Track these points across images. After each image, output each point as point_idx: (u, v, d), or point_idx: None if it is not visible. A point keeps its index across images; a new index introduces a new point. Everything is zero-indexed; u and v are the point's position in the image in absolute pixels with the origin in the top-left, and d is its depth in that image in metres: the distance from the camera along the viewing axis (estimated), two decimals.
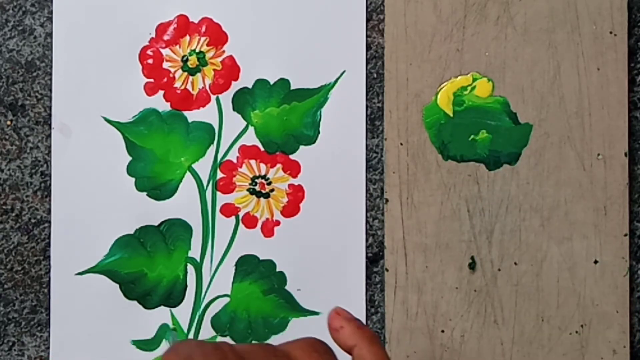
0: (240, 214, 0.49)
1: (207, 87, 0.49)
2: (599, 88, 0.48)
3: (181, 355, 0.33)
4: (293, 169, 0.49)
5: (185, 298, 0.49)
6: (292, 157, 0.49)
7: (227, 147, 0.49)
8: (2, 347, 0.49)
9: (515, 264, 0.48)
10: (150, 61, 0.49)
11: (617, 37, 0.48)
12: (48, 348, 0.49)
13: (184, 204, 0.49)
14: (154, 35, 0.49)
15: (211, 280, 0.49)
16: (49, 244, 0.49)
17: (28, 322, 0.49)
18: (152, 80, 0.49)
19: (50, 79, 0.49)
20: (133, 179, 0.49)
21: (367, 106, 0.49)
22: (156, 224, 0.49)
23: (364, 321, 0.48)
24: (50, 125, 0.49)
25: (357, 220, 0.49)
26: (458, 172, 0.48)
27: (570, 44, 0.48)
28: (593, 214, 0.48)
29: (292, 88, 0.49)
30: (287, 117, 0.49)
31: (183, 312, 0.49)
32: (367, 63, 0.49)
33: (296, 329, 0.49)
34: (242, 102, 0.49)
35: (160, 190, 0.49)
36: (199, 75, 0.49)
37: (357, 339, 0.38)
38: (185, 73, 0.49)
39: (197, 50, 0.49)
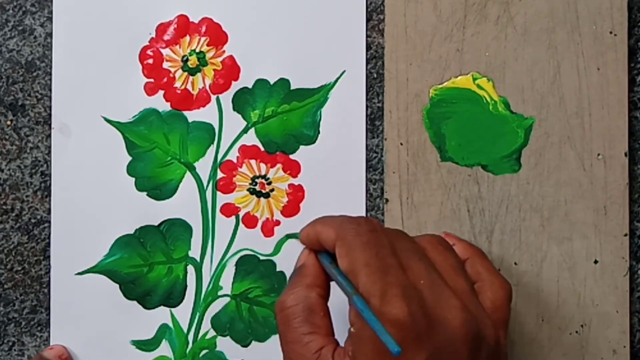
0: (241, 214, 0.49)
1: (207, 87, 0.49)
2: (599, 88, 0.48)
3: (335, 222, 0.38)
4: (293, 169, 0.49)
5: (185, 298, 0.49)
6: (292, 157, 0.49)
7: (227, 147, 0.49)
8: (2, 347, 0.49)
9: (515, 264, 0.48)
10: (150, 61, 0.49)
11: (617, 37, 0.48)
12: None
13: (184, 204, 0.49)
14: (154, 35, 0.49)
15: (211, 280, 0.49)
16: (49, 244, 0.49)
17: (28, 322, 0.49)
18: (152, 80, 0.49)
19: (50, 79, 0.49)
20: (133, 179, 0.49)
21: (367, 106, 0.49)
22: (156, 224, 0.49)
23: None
24: (50, 125, 0.49)
25: None
26: (458, 172, 0.48)
27: (570, 44, 0.48)
28: (593, 214, 0.48)
29: (292, 88, 0.49)
30: (287, 117, 0.49)
31: (183, 312, 0.49)
32: (367, 63, 0.49)
33: None
34: (242, 102, 0.49)
35: (160, 190, 0.49)
36: (199, 75, 0.49)
37: (470, 253, 0.41)
38: (186, 73, 0.49)
39: (197, 50, 0.49)
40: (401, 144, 0.48)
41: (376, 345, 0.33)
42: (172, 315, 0.49)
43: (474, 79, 0.48)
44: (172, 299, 0.49)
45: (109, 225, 0.49)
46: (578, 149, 0.48)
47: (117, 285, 0.49)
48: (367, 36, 0.49)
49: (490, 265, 0.40)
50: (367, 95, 0.49)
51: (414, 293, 0.34)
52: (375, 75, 0.49)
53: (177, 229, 0.49)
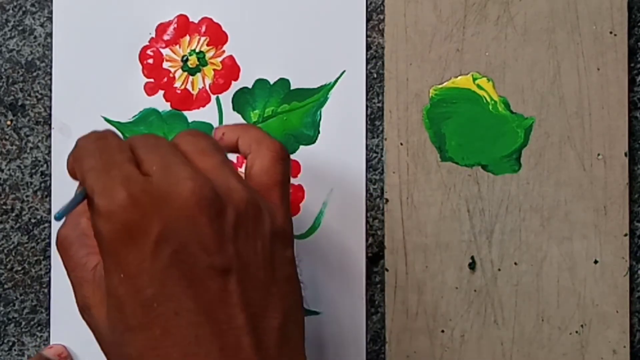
0: None
1: (207, 87, 0.49)
2: (599, 88, 0.48)
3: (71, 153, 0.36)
4: (293, 168, 0.49)
5: None
6: (292, 157, 0.49)
7: None
8: (2, 347, 0.49)
9: (515, 264, 0.48)
10: (150, 61, 0.49)
11: (617, 37, 0.48)
12: None
13: None
14: (154, 35, 0.49)
15: None
16: (49, 244, 0.49)
17: (28, 322, 0.49)
18: (152, 80, 0.49)
19: (50, 79, 0.49)
20: None
21: (367, 106, 0.49)
22: None
23: (363, 321, 0.49)
24: (50, 125, 0.49)
25: (357, 220, 0.49)
26: (458, 172, 0.48)
27: (570, 44, 0.48)
28: (593, 214, 0.48)
29: (292, 88, 0.49)
30: (287, 117, 0.49)
31: None
32: (367, 63, 0.49)
33: None
34: (242, 102, 0.49)
35: None
36: (199, 75, 0.49)
37: (239, 131, 0.40)
38: (185, 73, 0.49)
39: (197, 50, 0.49)
40: (401, 144, 0.48)
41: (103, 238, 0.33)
42: None
43: (474, 79, 0.48)
44: None
45: None
46: (578, 149, 0.48)
47: None
48: (367, 36, 0.49)
49: (259, 135, 0.40)
50: (367, 95, 0.49)
51: (137, 178, 0.33)
52: (375, 75, 0.49)
53: None
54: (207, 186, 0.34)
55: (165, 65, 0.49)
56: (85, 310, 0.36)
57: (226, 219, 0.34)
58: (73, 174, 0.36)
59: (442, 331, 0.48)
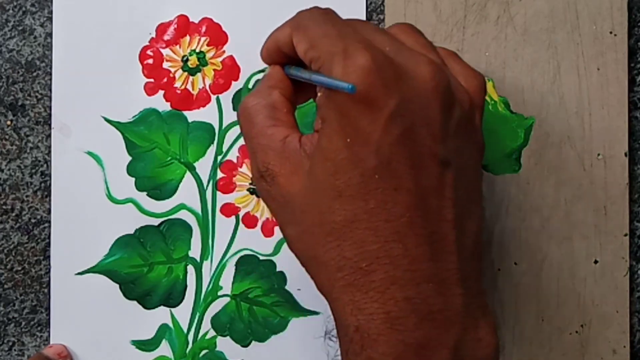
0: (240, 214, 0.49)
1: (207, 87, 0.49)
2: (599, 88, 0.48)
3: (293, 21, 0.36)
4: None
5: (185, 298, 0.49)
6: None
7: (227, 147, 0.49)
8: (2, 347, 0.49)
9: (515, 264, 0.48)
10: (150, 61, 0.49)
11: (617, 37, 0.48)
12: None
13: (184, 204, 0.49)
14: (154, 35, 0.49)
15: (211, 280, 0.49)
16: (49, 244, 0.49)
17: (28, 322, 0.49)
18: (152, 80, 0.49)
19: (50, 79, 0.49)
20: (133, 179, 0.49)
21: None
22: (156, 224, 0.49)
23: None
24: (50, 125, 0.49)
25: None
26: None
27: (570, 44, 0.48)
28: (593, 214, 0.48)
29: None
30: None
31: (183, 312, 0.49)
32: None
33: (296, 329, 0.49)
34: None
35: (160, 190, 0.49)
36: (199, 75, 0.49)
37: (444, 53, 0.38)
38: (186, 73, 0.49)
39: (197, 50, 0.49)
40: None
41: (343, 111, 0.32)
42: (172, 315, 0.49)
43: None
44: (172, 299, 0.49)
45: (109, 225, 0.49)
46: (578, 149, 0.48)
47: (117, 285, 0.49)
48: None
49: (463, 62, 0.38)
50: None
51: (378, 47, 0.33)
52: None
53: (177, 229, 0.49)
54: (445, 76, 0.34)
55: (165, 65, 0.49)
56: (266, 177, 0.35)
57: (453, 114, 0.34)
58: (276, 51, 0.36)
59: None
